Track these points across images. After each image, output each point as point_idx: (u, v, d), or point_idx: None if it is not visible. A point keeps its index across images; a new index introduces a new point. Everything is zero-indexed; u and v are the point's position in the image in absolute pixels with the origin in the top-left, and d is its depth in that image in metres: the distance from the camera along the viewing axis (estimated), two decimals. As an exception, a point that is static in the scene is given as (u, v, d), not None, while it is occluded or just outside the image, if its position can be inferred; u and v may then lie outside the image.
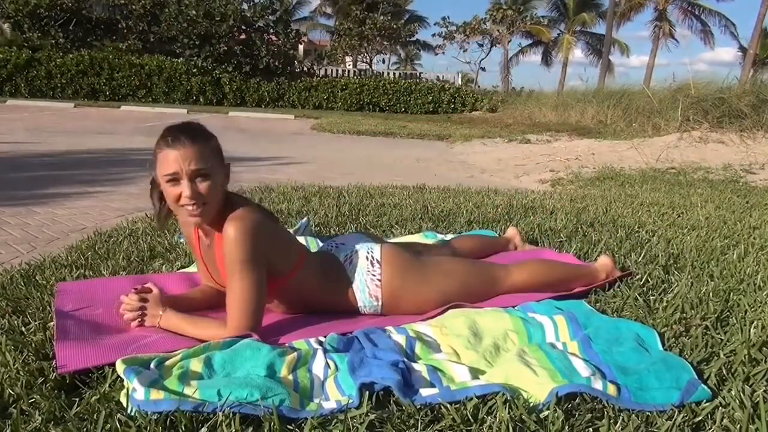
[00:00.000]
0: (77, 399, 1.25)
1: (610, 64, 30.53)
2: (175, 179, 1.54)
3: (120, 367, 1.30)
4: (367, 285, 1.77)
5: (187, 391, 1.24)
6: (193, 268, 2.16)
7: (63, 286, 1.87)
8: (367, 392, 1.26)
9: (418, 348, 1.53)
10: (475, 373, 1.41)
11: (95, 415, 1.18)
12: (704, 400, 1.29)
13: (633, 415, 1.23)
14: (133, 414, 1.17)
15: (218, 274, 1.71)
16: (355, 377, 1.32)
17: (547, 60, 35.20)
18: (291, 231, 2.58)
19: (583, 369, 1.38)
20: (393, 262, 1.79)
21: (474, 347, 1.54)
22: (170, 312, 1.64)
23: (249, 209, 1.61)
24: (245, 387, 1.23)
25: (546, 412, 1.22)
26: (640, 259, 2.40)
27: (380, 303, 1.78)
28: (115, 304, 1.71)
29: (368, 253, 1.80)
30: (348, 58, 27.23)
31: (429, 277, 1.83)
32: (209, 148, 1.59)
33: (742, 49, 29.10)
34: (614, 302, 1.92)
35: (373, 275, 1.77)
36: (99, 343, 1.48)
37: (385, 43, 26.10)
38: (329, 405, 1.26)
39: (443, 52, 27.94)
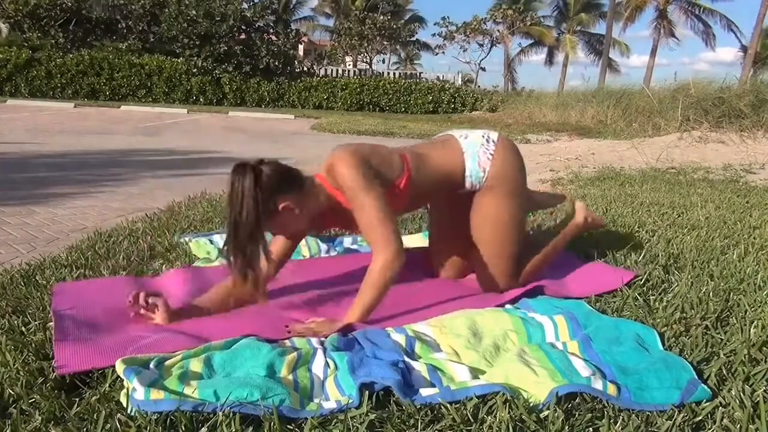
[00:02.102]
0: (77, 399, 1.25)
1: (611, 64, 30.54)
2: None
3: (120, 367, 1.29)
4: (479, 156, 1.90)
5: (187, 391, 1.24)
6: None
7: (59, 287, 1.87)
8: (367, 392, 1.26)
9: (418, 347, 1.53)
10: (475, 372, 1.41)
11: (95, 415, 1.18)
12: (704, 400, 1.29)
13: (633, 415, 1.23)
14: (133, 414, 1.17)
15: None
16: (355, 377, 1.32)
17: (551, 60, 35.21)
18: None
19: (583, 369, 1.38)
20: (506, 147, 1.95)
21: (474, 347, 1.54)
22: (331, 326, 1.62)
23: (342, 154, 1.71)
24: (245, 387, 1.23)
25: (546, 412, 1.22)
26: (640, 259, 2.40)
27: (485, 176, 1.90)
28: (114, 303, 1.71)
29: (484, 134, 1.97)
30: (348, 58, 27.22)
31: (520, 187, 1.98)
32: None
33: (744, 48, 29.09)
34: (614, 302, 1.92)
35: (487, 149, 1.92)
36: (98, 343, 1.48)
37: (385, 43, 26.09)
38: (329, 405, 1.26)
39: (443, 52, 27.93)
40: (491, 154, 1.90)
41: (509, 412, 1.20)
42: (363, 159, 1.71)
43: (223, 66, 17.94)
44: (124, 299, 1.77)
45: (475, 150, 1.91)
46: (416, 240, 2.63)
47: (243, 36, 18.35)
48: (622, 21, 30.41)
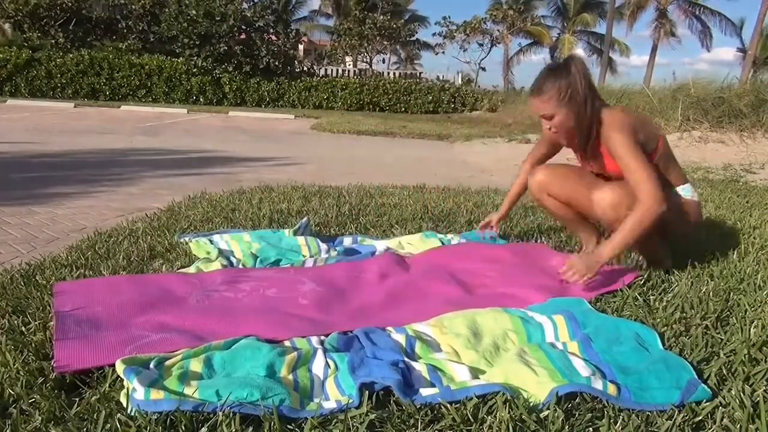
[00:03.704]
0: (77, 399, 1.25)
1: (612, 63, 30.50)
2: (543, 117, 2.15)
3: (120, 367, 1.30)
4: (691, 192, 2.26)
5: (187, 391, 1.24)
6: (192, 269, 2.16)
7: (61, 286, 1.87)
8: (367, 392, 1.26)
9: (418, 347, 1.53)
10: (475, 372, 1.41)
11: (95, 415, 1.18)
12: (704, 400, 1.29)
13: (633, 415, 1.23)
14: (133, 414, 1.18)
15: (598, 166, 2.26)
16: (355, 377, 1.32)
17: (552, 59, 35.11)
18: (291, 231, 2.58)
19: (583, 369, 1.38)
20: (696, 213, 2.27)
21: (474, 347, 1.54)
22: (599, 251, 2.00)
23: (615, 115, 2.10)
24: (245, 387, 1.23)
25: (546, 412, 1.22)
26: (640, 258, 2.40)
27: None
28: None
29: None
30: (348, 58, 27.20)
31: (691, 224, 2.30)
32: (547, 96, 2.08)
33: (741, 49, 29.10)
34: (614, 302, 1.92)
35: (694, 195, 2.27)
36: (98, 343, 1.48)
37: (385, 42, 26.08)
38: (329, 405, 1.26)
39: (443, 52, 27.88)
40: (696, 198, 2.29)
41: (509, 412, 1.20)
42: (631, 128, 2.07)
43: (223, 66, 17.93)
44: (125, 298, 1.77)
45: (692, 189, 2.29)
46: (416, 240, 2.63)
47: (243, 36, 18.34)
48: (625, 21, 30.41)
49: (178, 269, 2.19)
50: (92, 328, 1.58)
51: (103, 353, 1.42)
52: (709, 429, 1.21)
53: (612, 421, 1.21)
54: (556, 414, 1.20)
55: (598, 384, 1.30)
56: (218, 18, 17.51)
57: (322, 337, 1.57)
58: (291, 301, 1.87)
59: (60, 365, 1.35)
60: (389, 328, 1.63)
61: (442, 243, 2.60)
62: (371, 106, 19.03)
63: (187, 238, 2.54)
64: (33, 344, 1.46)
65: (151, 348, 1.46)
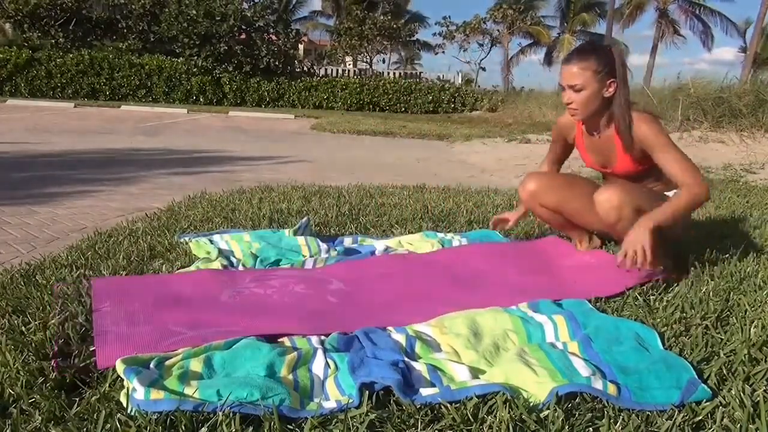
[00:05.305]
0: (77, 399, 1.25)
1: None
2: (562, 87, 2.10)
3: (120, 367, 1.30)
4: None
5: (187, 391, 1.24)
6: (192, 269, 2.16)
7: (97, 283, 1.89)
8: (367, 392, 1.26)
9: (418, 347, 1.53)
10: (475, 372, 1.41)
11: (95, 414, 1.18)
12: (704, 400, 1.29)
13: (633, 415, 1.23)
14: (133, 414, 1.18)
15: (604, 159, 2.28)
16: (355, 377, 1.32)
17: (549, 60, 35.09)
18: (291, 231, 2.58)
19: (583, 369, 1.38)
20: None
21: (474, 347, 1.54)
22: (642, 223, 1.93)
23: (644, 113, 2.17)
24: (245, 387, 1.23)
25: (546, 412, 1.22)
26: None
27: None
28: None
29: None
30: (348, 58, 27.21)
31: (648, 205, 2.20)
32: (586, 65, 2.03)
33: (744, 50, 29.08)
34: (614, 302, 1.92)
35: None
36: (137, 341, 1.50)
37: (385, 42, 26.08)
38: (329, 405, 1.26)
39: (443, 52, 27.87)
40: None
41: (509, 412, 1.20)
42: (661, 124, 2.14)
43: (223, 66, 17.94)
44: (159, 296, 1.81)
45: None
46: (416, 240, 2.63)
47: (243, 36, 18.34)
48: (622, 21, 30.39)
49: (178, 269, 2.19)
50: (130, 325, 1.60)
51: (142, 351, 1.43)
52: (709, 429, 1.21)
53: (612, 421, 1.21)
54: (556, 414, 1.20)
55: (598, 384, 1.30)
56: (218, 18, 17.52)
57: (322, 337, 1.57)
58: (319, 297, 1.91)
59: (102, 365, 1.36)
60: (389, 328, 1.63)
61: (443, 243, 2.60)
62: (371, 106, 19.03)
63: (187, 238, 2.54)
64: (33, 344, 1.46)
65: (187, 344, 1.48)
